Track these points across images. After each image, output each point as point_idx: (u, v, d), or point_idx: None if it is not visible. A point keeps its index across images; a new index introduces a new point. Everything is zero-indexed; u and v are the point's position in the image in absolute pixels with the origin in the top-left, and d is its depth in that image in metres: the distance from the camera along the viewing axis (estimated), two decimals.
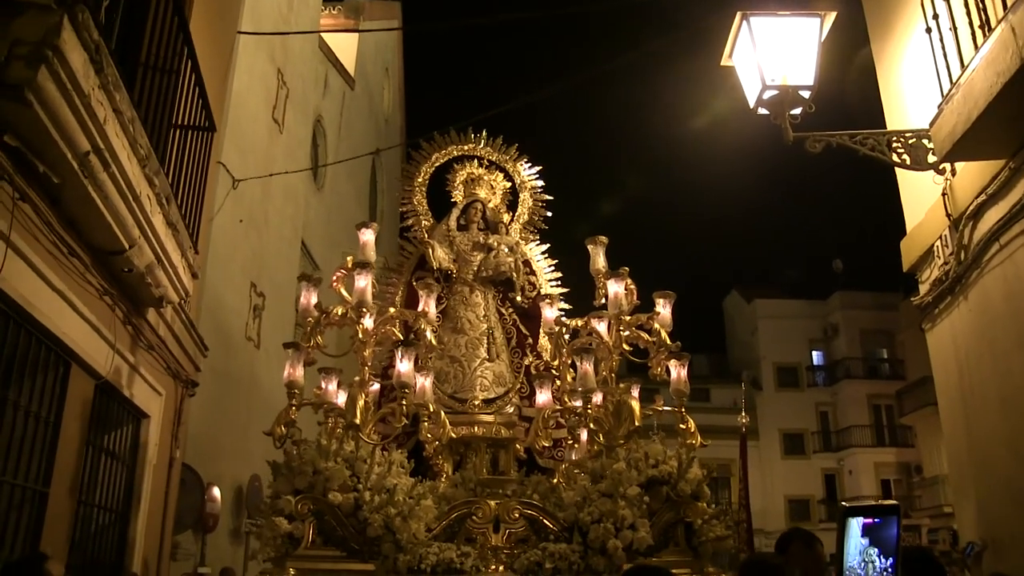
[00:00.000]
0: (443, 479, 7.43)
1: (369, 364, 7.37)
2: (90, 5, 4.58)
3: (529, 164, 9.45)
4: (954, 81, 5.69)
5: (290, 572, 6.13)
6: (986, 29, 5.29)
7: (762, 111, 6.43)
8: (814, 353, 44.52)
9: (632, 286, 7.61)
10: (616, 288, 7.41)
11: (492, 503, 6.62)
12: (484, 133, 9.46)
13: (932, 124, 6.08)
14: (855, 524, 2.72)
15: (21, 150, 4.51)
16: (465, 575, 6.16)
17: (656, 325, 7.35)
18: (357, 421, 6.81)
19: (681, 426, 7.07)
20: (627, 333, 7.40)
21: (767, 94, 6.31)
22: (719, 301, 50.43)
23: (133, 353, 7.21)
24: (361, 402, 6.95)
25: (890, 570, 2.68)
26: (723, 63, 6.82)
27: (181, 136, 7.36)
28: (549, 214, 9.38)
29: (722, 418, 30.60)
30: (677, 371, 7.16)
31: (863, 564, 2.69)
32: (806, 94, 6.26)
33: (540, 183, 9.42)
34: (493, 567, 6.29)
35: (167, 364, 8.30)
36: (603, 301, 7.66)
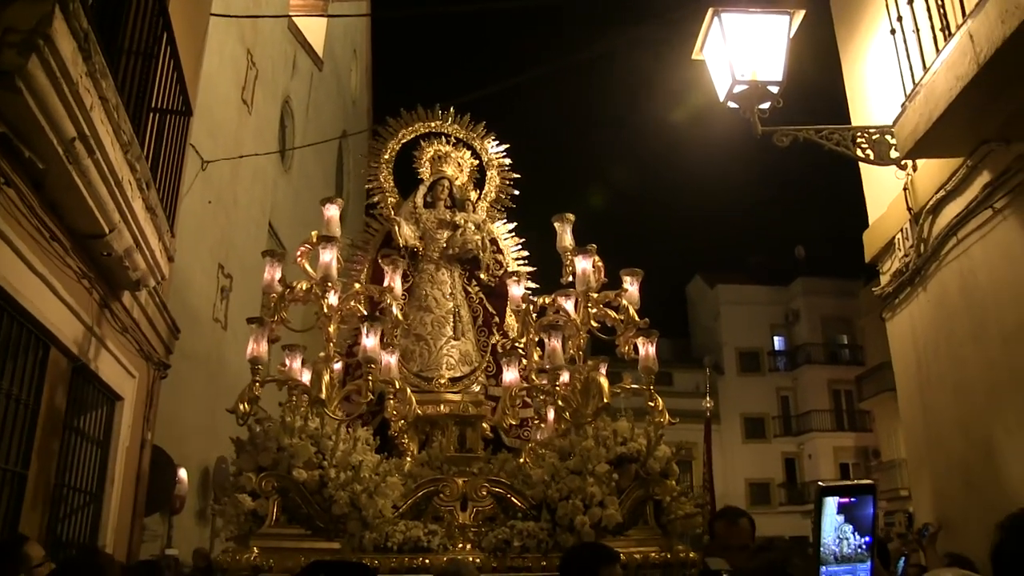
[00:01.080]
0: (409, 458, 7.33)
1: (334, 340, 7.27)
2: None
3: (497, 142, 9.35)
4: (917, 82, 5.84)
5: (254, 551, 6.00)
6: (947, 32, 5.44)
7: (732, 105, 6.56)
8: (776, 338, 45.14)
9: (600, 263, 7.51)
10: (584, 265, 7.33)
11: (459, 481, 6.56)
12: (452, 110, 9.35)
13: (895, 122, 6.23)
14: (831, 503, 2.74)
15: (8, 136, 4.57)
16: (432, 553, 6.08)
17: (624, 302, 7.30)
18: (323, 396, 6.73)
19: (650, 404, 7.03)
20: (595, 311, 7.35)
21: (737, 88, 6.44)
22: (682, 286, 50.85)
23: (109, 336, 7.28)
24: (326, 378, 6.88)
25: (864, 546, 2.75)
26: (694, 57, 6.94)
27: (158, 120, 7.40)
28: (517, 192, 9.31)
29: (685, 402, 30.73)
30: (645, 348, 7.09)
31: (838, 541, 2.74)
32: (775, 89, 6.40)
33: (508, 161, 9.34)
34: (461, 545, 6.22)
35: (140, 347, 8.37)
36: (570, 279, 7.59)
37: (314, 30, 20.14)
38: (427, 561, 5.97)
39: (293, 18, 18.17)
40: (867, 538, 2.77)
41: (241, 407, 6.73)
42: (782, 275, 44.25)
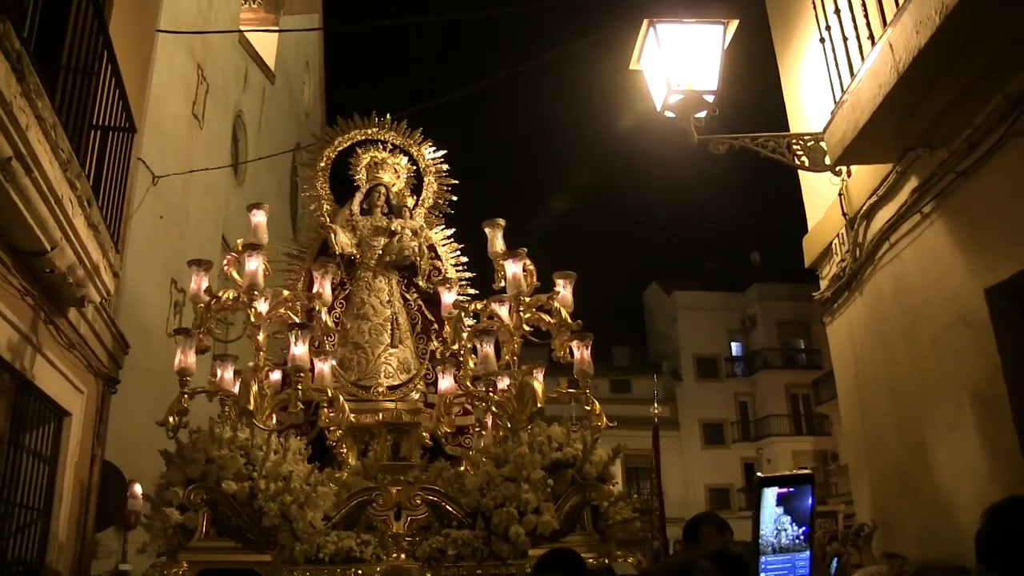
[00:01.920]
0: (346, 467, 7.32)
1: (264, 349, 7.19)
2: (13, 16, 4.66)
3: (434, 148, 9.33)
4: (844, 90, 5.94)
5: (183, 565, 5.95)
6: (872, 41, 5.55)
7: (668, 114, 6.63)
8: (733, 344, 45.69)
9: (531, 267, 7.48)
10: (514, 269, 7.31)
11: (393, 490, 6.52)
12: (388, 117, 9.32)
13: (825, 129, 6.32)
14: (770, 494, 2.76)
15: None
16: (366, 563, 6.06)
17: (556, 305, 7.30)
18: (251, 407, 6.68)
19: (586, 407, 7.02)
20: (528, 315, 7.33)
21: (672, 98, 6.50)
22: (639, 294, 51.17)
23: (54, 352, 7.21)
24: (255, 388, 6.81)
25: (802, 537, 2.77)
26: (632, 67, 7.02)
27: (100, 136, 7.36)
28: (455, 198, 9.29)
29: (644, 409, 30.89)
30: (580, 351, 7.09)
31: (776, 532, 2.74)
32: (710, 98, 6.48)
33: (445, 167, 9.31)
34: (395, 555, 6.22)
35: (88, 362, 8.29)
36: (502, 284, 7.59)
37: (266, 44, 20.03)
38: (360, 572, 5.97)
39: (244, 32, 18.10)
40: (804, 528, 2.79)
41: (170, 419, 6.70)
42: (738, 281, 44.79)
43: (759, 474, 2.86)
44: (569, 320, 7.21)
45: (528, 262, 7.44)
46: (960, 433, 5.58)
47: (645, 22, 6.69)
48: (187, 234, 13.80)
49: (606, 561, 6.35)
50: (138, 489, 10.70)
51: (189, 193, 13.84)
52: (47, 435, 7.59)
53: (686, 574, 3.01)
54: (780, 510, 2.77)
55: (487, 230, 7.85)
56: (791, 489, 2.79)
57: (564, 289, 7.39)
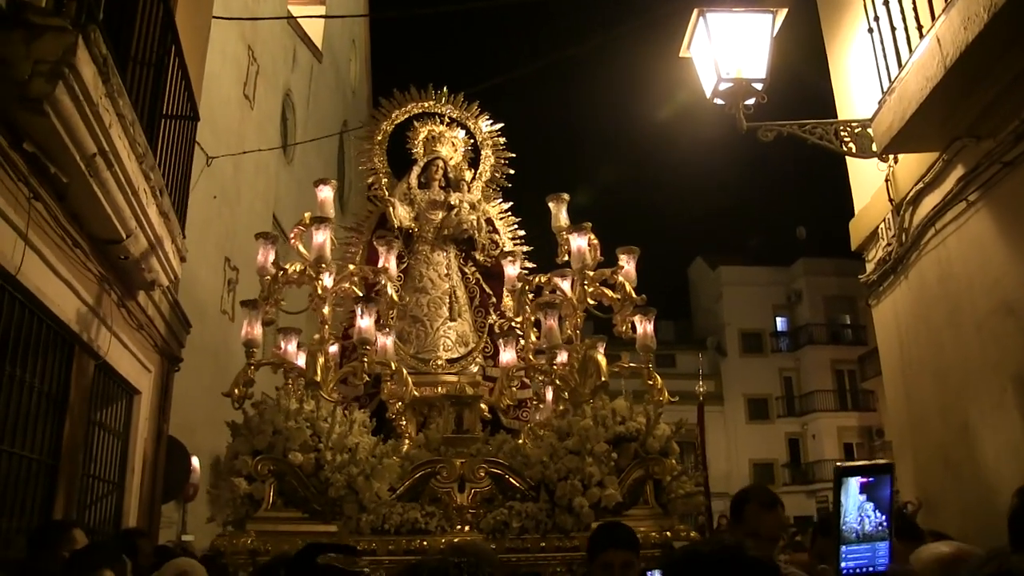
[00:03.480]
0: (407, 440, 7.20)
1: (329, 323, 7.12)
2: (100, 21, 4.99)
3: (491, 121, 9.13)
4: (892, 80, 6.07)
5: (251, 535, 5.90)
6: (920, 32, 5.68)
7: (718, 101, 6.78)
8: (778, 319, 45.16)
9: (595, 241, 7.35)
10: (579, 242, 7.18)
11: (457, 462, 6.39)
12: (445, 90, 9.09)
13: (873, 118, 6.47)
14: (854, 483, 2.75)
15: (36, 155, 4.90)
16: (430, 535, 6.01)
17: (620, 279, 7.17)
18: (317, 379, 6.61)
19: (648, 382, 6.91)
20: (591, 289, 7.19)
21: (722, 86, 6.65)
22: (684, 269, 50.92)
23: (126, 333, 7.57)
24: (321, 360, 6.75)
25: (884, 524, 2.76)
26: (681, 55, 7.18)
27: (166, 125, 7.66)
28: (512, 172, 9.09)
29: (688, 384, 30.95)
30: (643, 326, 7.00)
31: (860, 520, 2.75)
32: (759, 86, 6.61)
33: (502, 140, 9.13)
34: (459, 527, 6.13)
35: (155, 342, 8.66)
36: (566, 259, 7.48)
37: (313, 22, 20.20)
38: (424, 543, 5.91)
39: (292, 11, 18.33)
40: (885, 516, 2.79)
41: (236, 391, 6.69)
42: (784, 256, 44.24)
43: (839, 463, 2.79)
44: (633, 295, 7.10)
45: (593, 236, 7.34)
46: (1003, 415, 5.75)
47: (695, 11, 6.84)
48: (239, 213, 14.11)
49: (668, 535, 6.22)
50: (196, 462, 11.10)
51: (240, 173, 14.16)
52: (119, 412, 8.00)
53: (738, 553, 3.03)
54: (863, 497, 2.77)
55: (551, 204, 7.80)
56: (871, 479, 2.78)
57: (628, 264, 7.29)
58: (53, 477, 6.14)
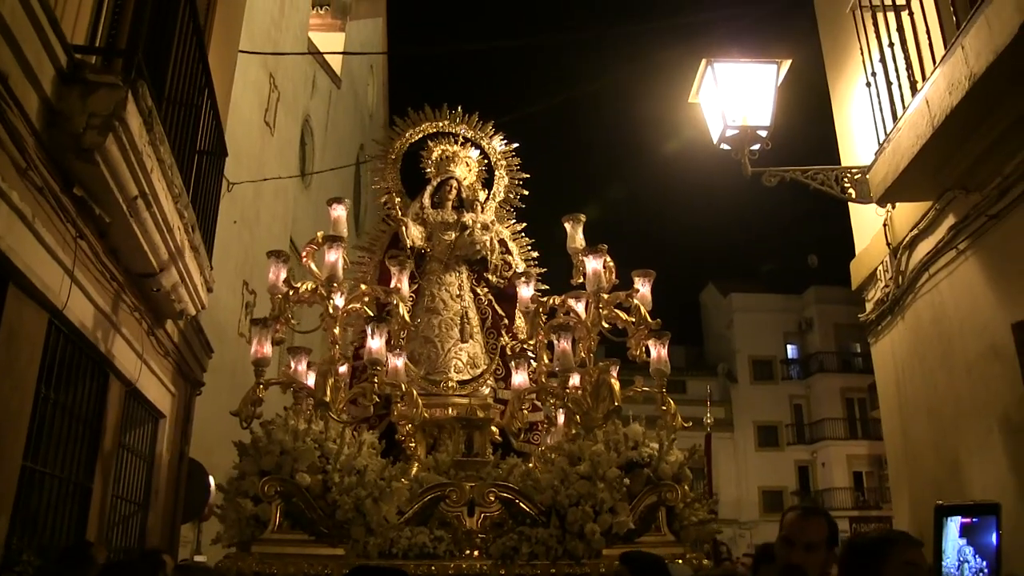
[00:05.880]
0: (416, 462, 7.12)
1: (339, 343, 7.06)
2: (147, 75, 5.37)
3: (505, 141, 9.10)
4: (887, 133, 6.38)
5: (256, 557, 5.83)
6: (914, 89, 6.00)
7: (724, 147, 7.02)
8: (789, 347, 45.21)
9: (611, 263, 7.27)
10: (595, 265, 7.11)
11: (467, 486, 6.29)
12: (459, 109, 9.06)
13: (869, 169, 6.78)
14: (953, 524, 2.56)
15: (84, 198, 5.26)
16: (438, 560, 5.90)
17: (636, 302, 7.11)
18: (327, 399, 6.57)
19: (662, 408, 6.84)
20: (606, 312, 7.14)
21: (728, 132, 6.90)
22: (696, 294, 51.05)
23: (155, 360, 7.84)
24: (331, 380, 6.69)
25: (986, 571, 2.51)
26: (690, 101, 7.47)
27: (198, 160, 7.96)
28: (526, 192, 9.06)
29: (699, 410, 30.92)
30: (657, 350, 6.89)
31: (958, 565, 2.54)
32: (763, 133, 6.86)
33: (517, 160, 9.10)
34: (468, 552, 6.02)
35: (180, 367, 8.91)
36: (580, 280, 7.42)
37: (333, 49, 20.52)
38: (433, 568, 5.83)
39: (312, 38, 18.47)
40: (986, 561, 2.52)
41: (245, 410, 6.69)
42: (795, 283, 44.28)
43: (939, 503, 2.61)
44: (648, 318, 7.05)
45: (608, 258, 7.27)
46: (990, 455, 6.00)
47: (703, 61, 7.12)
48: (258, 237, 14.28)
49: (679, 562, 6.09)
50: (212, 482, 11.35)
51: (260, 197, 14.36)
52: (145, 435, 8.28)
53: None
54: (963, 541, 2.55)
55: (567, 225, 7.72)
56: (974, 520, 2.57)
57: (643, 287, 7.23)
58: (86, 497, 6.42)
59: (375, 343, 6.65)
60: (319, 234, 7.43)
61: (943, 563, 2.53)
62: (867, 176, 6.95)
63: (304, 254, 7.59)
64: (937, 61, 5.51)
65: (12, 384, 4.86)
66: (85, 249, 5.63)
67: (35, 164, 4.62)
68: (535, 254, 8.92)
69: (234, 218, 12.75)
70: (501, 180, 9.15)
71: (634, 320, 7.10)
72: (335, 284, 7.08)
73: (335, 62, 20.87)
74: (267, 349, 6.88)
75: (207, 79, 7.76)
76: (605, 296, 7.18)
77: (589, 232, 7.70)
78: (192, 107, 7.28)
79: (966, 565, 2.52)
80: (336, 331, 7.06)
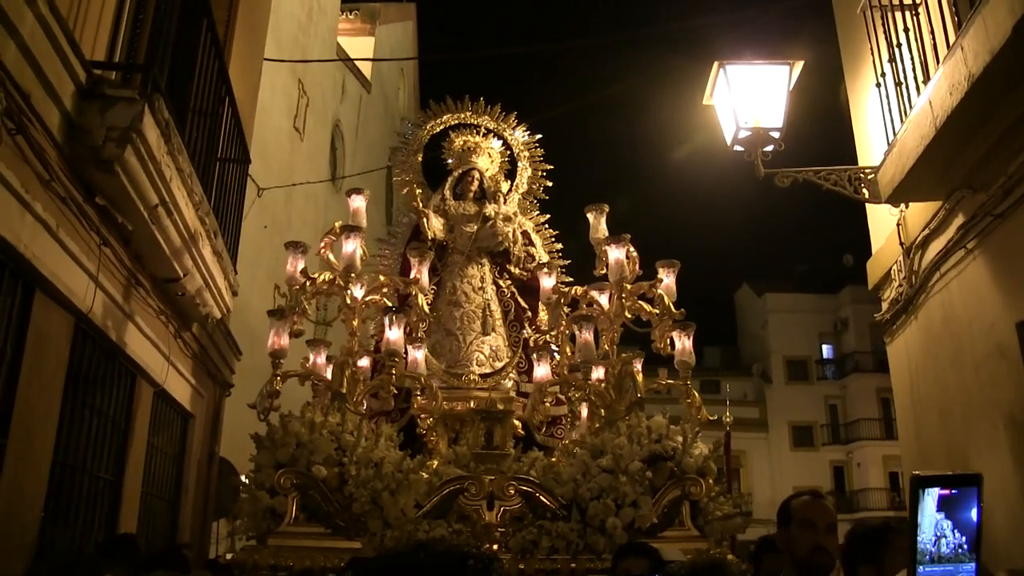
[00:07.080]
0: (437, 455, 7.04)
1: (358, 335, 6.97)
2: (163, 88, 5.59)
3: (528, 132, 9.04)
4: (895, 134, 6.44)
5: (272, 550, 5.82)
6: (919, 91, 6.06)
7: (737, 148, 7.04)
8: (824, 347, 44.99)
9: (634, 254, 7.22)
10: (617, 254, 7.04)
11: (486, 479, 6.19)
12: (481, 100, 9.02)
13: (878, 169, 6.84)
14: (930, 496, 2.37)
15: (107, 207, 5.51)
16: None
17: (660, 292, 7.03)
18: (344, 391, 6.52)
19: (687, 400, 6.77)
20: (629, 303, 7.05)
21: (741, 134, 6.93)
22: (731, 294, 50.91)
23: (182, 362, 8.06)
24: (348, 372, 6.64)
25: (966, 546, 2.37)
26: (704, 103, 7.53)
27: (220, 167, 8.20)
28: (550, 184, 8.99)
29: (733, 410, 31.03)
30: (682, 341, 6.83)
31: (935, 540, 2.36)
32: (776, 134, 6.88)
33: (540, 151, 9.03)
34: (487, 546, 5.63)
35: (208, 369, 9.14)
36: (603, 271, 7.34)
37: (362, 53, 20.63)
38: None
39: (341, 43, 18.59)
40: (967, 537, 2.40)
41: (260, 401, 6.72)
42: (830, 283, 44.03)
43: (916, 473, 2.41)
44: (673, 309, 6.96)
45: (631, 248, 7.21)
46: (995, 453, 6.03)
47: (715, 64, 7.15)
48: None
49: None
50: (244, 480, 11.54)
51: (291, 202, 14.52)
52: (175, 435, 8.50)
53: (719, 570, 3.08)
54: (941, 515, 2.37)
55: (590, 215, 7.65)
56: (954, 491, 2.39)
57: (667, 277, 7.15)
58: (117, 494, 6.64)
59: (393, 334, 6.63)
60: (337, 224, 7.38)
61: (918, 539, 2.33)
62: (877, 176, 7.00)
63: (322, 245, 7.53)
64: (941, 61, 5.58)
65: (40, 386, 5.06)
66: (110, 256, 5.86)
67: (58, 176, 4.85)
68: (559, 246, 8.87)
69: (265, 223, 12.90)
70: (524, 172, 9.09)
71: (658, 311, 7.03)
72: (353, 275, 7.04)
73: (365, 67, 20.97)
74: (284, 340, 6.86)
75: (227, 89, 7.98)
76: (628, 287, 7.11)
77: (620, 231, 7.51)
78: (214, 116, 7.51)
79: (943, 540, 2.36)
80: (355, 323, 7.01)
